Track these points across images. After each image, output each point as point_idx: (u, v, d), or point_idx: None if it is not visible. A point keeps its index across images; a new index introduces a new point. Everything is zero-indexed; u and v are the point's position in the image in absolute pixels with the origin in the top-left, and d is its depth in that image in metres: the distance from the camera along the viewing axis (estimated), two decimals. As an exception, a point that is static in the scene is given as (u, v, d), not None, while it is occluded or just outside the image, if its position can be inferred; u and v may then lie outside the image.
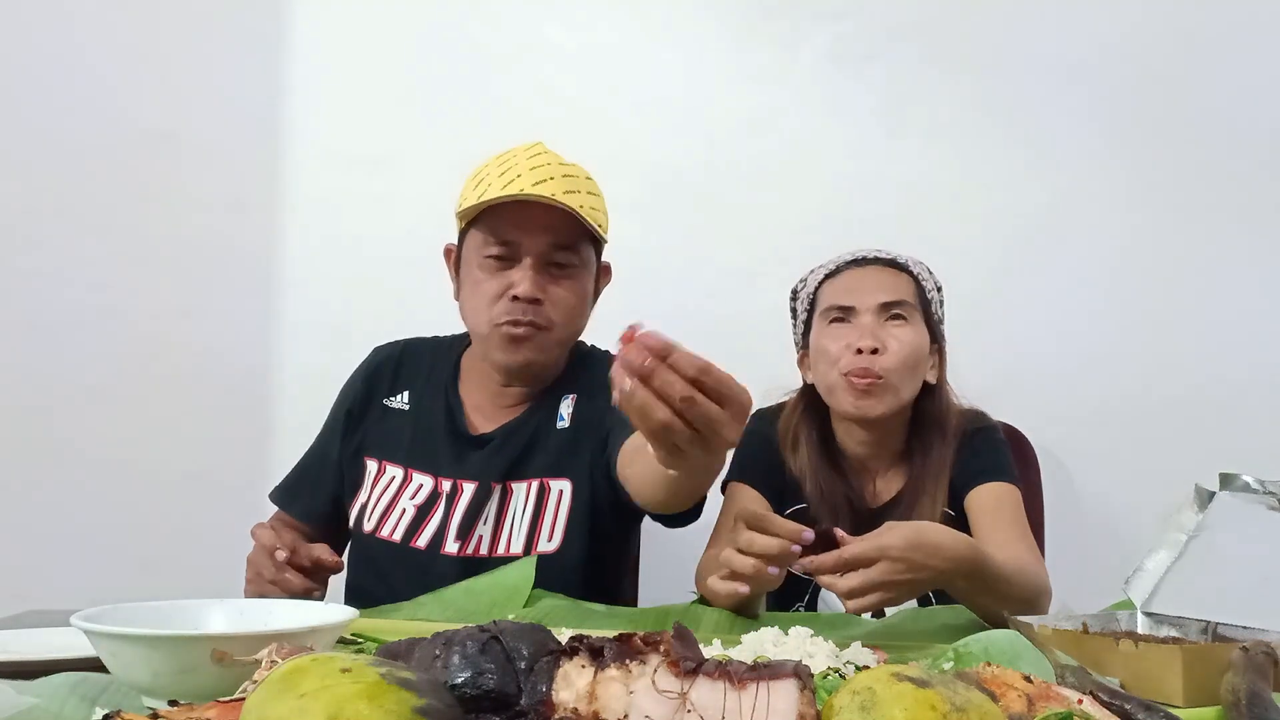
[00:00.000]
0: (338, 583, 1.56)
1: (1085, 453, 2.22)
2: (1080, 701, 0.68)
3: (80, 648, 0.89)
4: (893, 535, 1.23)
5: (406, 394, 1.67)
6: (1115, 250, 2.27)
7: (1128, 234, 2.27)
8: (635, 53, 2.36)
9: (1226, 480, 1.16)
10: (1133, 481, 2.14)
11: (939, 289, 1.68)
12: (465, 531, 1.55)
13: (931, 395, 1.64)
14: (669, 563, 2.00)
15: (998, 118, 2.31)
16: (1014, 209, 2.29)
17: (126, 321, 2.30)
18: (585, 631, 0.72)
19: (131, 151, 2.31)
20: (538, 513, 1.56)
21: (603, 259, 1.65)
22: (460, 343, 1.71)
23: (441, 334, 1.75)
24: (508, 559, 1.50)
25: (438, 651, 0.62)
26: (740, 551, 1.22)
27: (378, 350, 1.75)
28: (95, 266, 2.29)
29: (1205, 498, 1.16)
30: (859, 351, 1.56)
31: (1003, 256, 2.27)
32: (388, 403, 1.67)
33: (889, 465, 1.66)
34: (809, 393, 1.69)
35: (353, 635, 1.07)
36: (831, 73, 2.33)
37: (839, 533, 1.25)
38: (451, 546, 1.54)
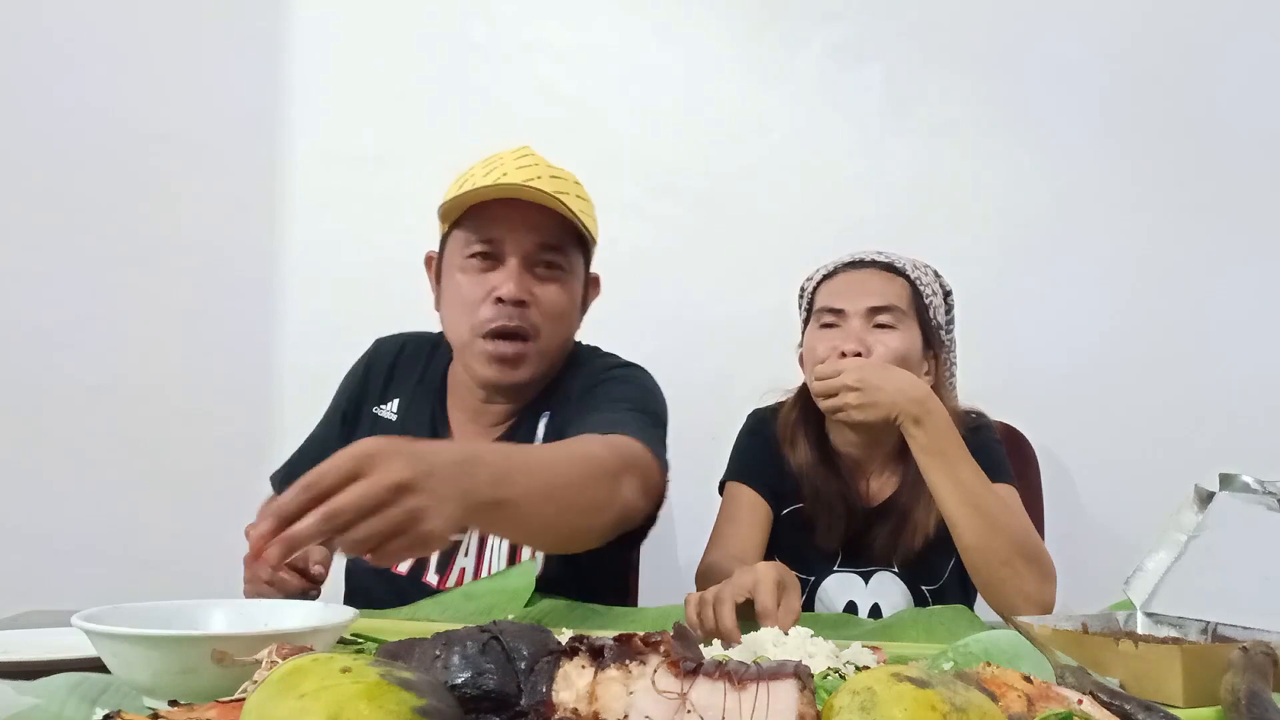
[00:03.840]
0: (337, 586, 1.56)
1: (1085, 453, 2.22)
2: (1080, 702, 0.68)
3: (80, 648, 0.89)
4: (853, 362, 1.52)
5: (396, 402, 1.61)
6: (1115, 250, 2.27)
7: (1128, 234, 2.27)
8: (635, 53, 2.36)
9: (1226, 480, 1.15)
10: (1133, 482, 2.14)
11: (946, 294, 1.67)
12: (444, 565, 1.49)
13: None
14: (669, 564, 2.01)
15: (997, 118, 2.31)
16: (1014, 209, 2.29)
17: (126, 321, 2.30)
18: (585, 632, 0.72)
19: (131, 152, 2.31)
20: None
21: (592, 268, 1.57)
22: (449, 351, 1.62)
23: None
24: None
25: (438, 651, 0.62)
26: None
27: (379, 345, 1.69)
28: (95, 266, 2.30)
29: (1205, 498, 1.16)
30: (842, 355, 1.56)
31: (1003, 256, 2.27)
32: (377, 411, 1.61)
33: (884, 465, 1.66)
34: (806, 391, 1.68)
35: (353, 635, 1.07)
36: (832, 73, 2.33)
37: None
38: (431, 578, 1.49)
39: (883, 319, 1.58)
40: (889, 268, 1.63)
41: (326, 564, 1.35)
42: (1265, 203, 2.25)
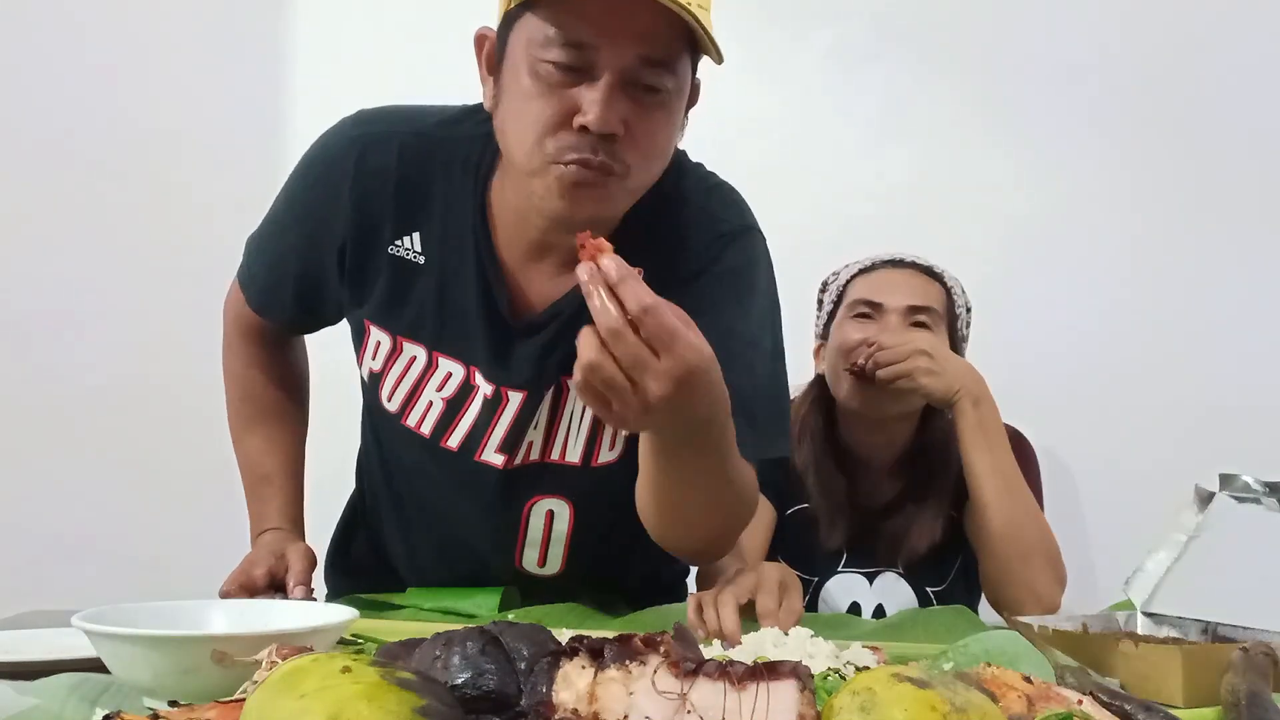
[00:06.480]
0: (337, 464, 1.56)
1: (1086, 453, 2.22)
2: (1080, 702, 0.68)
3: (81, 648, 0.89)
4: (923, 333, 1.57)
5: (418, 237, 1.25)
6: (1115, 251, 2.27)
7: (1128, 235, 2.27)
8: (635, 53, 2.36)
9: (1226, 480, 1.15)
10: (1133, 481, 2.14)
11: (968, 309, 1.69)
12: (512, 445, 1.27)
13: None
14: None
15: (998, 119, 2.31)
16: (1014, 210, 2.29)
17: (126, 321, 2.30)
18: (585, 632, 0.72)
19: (133, 152, 2.32)
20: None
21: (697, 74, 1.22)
22: (482, 151, 1.24)
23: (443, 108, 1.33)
24: (562, 466, 1.28)
25: (438, 651, 0.62)
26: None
27: (364, 150, 1.29)
28: (96, 266, 2.29)
29: (1205, 498, 1.16)
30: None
31: (1002, 257, 2.27)
32: (394, 250, 1.25)
33: (892, 465, 1.66)
34: (820, 383, 1.69)
35: (353, 635, 1.07)
36: (832, 74, 2.33)
37: None
38: (494, 457, 1.27)
39: (920, 319, 1.60)
40: (928, 271, 1.65)
41: (307, 583, 1.33)
42: (1264, 202, 2.25)
